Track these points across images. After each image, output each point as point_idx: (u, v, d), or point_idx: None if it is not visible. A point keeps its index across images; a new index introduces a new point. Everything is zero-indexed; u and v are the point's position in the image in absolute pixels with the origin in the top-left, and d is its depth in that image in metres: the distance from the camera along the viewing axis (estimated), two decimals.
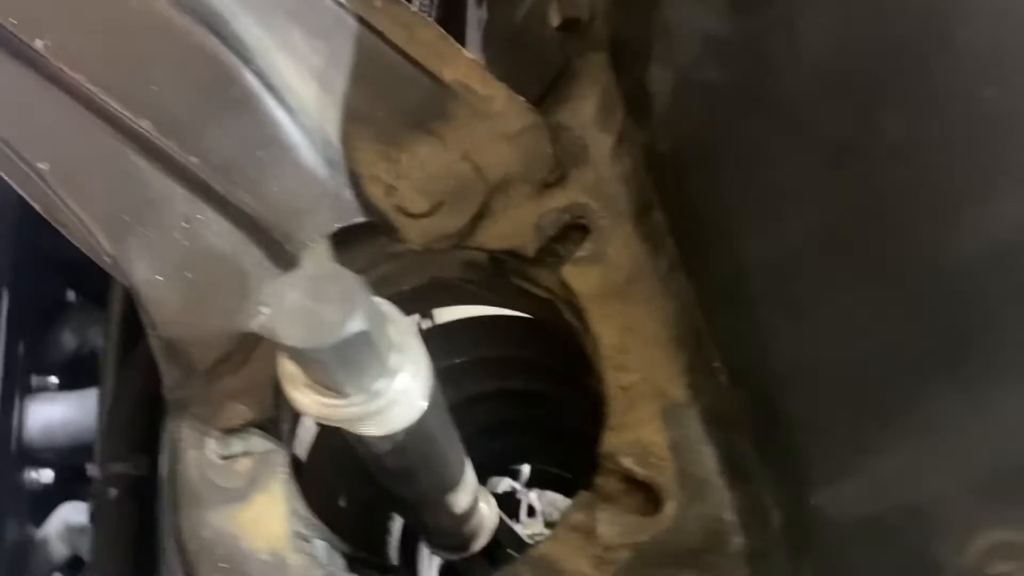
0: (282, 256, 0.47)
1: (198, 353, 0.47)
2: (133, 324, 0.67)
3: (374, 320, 0.34)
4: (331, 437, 0.63)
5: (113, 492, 0.57)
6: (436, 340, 0.70)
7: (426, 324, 0.74)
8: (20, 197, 0.78)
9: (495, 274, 0.48)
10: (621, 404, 0.40)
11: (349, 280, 0.33)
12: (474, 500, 0.58)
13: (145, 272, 0.48)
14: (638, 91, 0.43)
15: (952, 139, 0.25)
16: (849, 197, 0.29)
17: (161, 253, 0.48)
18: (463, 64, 0.49)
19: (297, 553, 0.41)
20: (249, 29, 0.46)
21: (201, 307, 0.47)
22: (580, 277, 0.44)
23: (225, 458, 0.43)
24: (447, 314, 0.68)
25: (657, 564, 0.37)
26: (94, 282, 0.89)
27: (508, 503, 0.86)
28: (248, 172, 0.46)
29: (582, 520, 0.38)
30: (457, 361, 0.64)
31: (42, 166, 0.48)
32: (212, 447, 0.44)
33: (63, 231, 0.50)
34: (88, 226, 0.48)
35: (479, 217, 0.46)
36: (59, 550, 0.80)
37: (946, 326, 0.25)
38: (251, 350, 0.46)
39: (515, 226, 0.46)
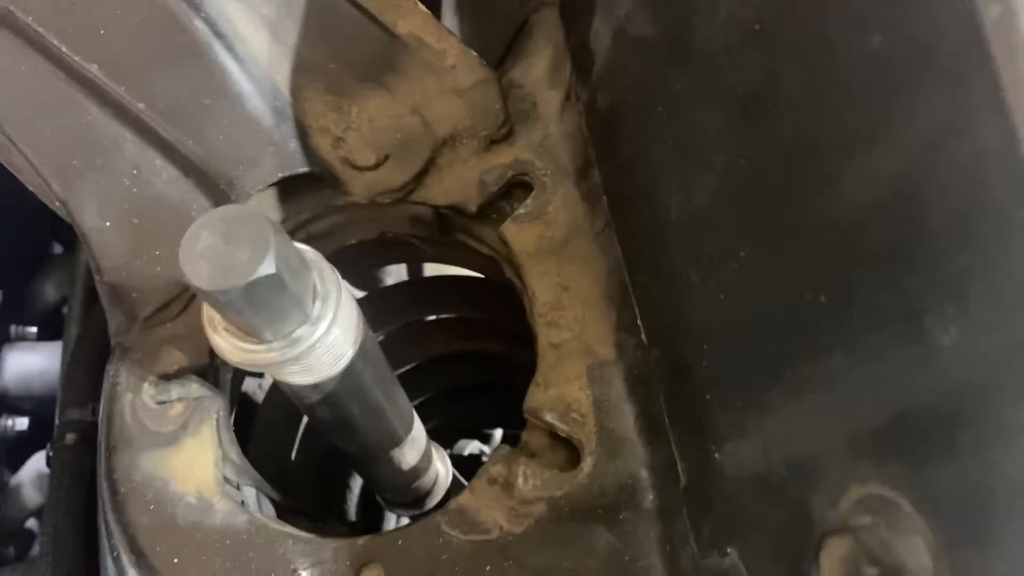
0: (220, 199, 0.47)
1: (141, 299, 0.47)
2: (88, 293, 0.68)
3: (291, 265, 0.34)
4: (281, 392, 0.63)
5: (71, 437, 0.58)
6: (400, 297, 0.70)
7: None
8: None
9: (440, 230, 0.47)
10: (550, 361, 0.40)
11: (263, 223, 0.33)
12: (425, 457, 0.58)
13: (94, 217, 0.48)
14: (582, 48, 0.43)
15: (841, 88, 0.24)
16: (754, 148, 0.29)
17: (110, 199, 0.48)
18: (418, 17, 0.48)
19: (224, 498, 0.41)
20: None
21: (146, 254, 0.47)
22: (520, 234, 0.43)
23: (160, 403, 0.44)
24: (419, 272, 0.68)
25: (572, 519, 0.37)
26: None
27: (474, 465, 0.86)
28: (194, 119, 0.46)
29: (501, 473, 0.38)
30: (419, 320, 0.64)
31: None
32: (148, 392, 0.44)
33: (17, 175, 0.50)
34: (39, 169, 0.48)
35: (425, 172, 0.46)
36: (32, 497, 0.81)
37: (830, 279, 0.25)
38: (191, 298, 0.46)
39: (460, 182, 0.46)
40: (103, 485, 0.44)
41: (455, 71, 0.48)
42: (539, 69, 0.47)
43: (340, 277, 0.38)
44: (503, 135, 0.46)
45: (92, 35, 0.46)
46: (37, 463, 0.82)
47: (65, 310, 0.92)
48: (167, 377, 0.45)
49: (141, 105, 0.46)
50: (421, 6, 0.49)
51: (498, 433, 0.88)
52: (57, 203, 0.49)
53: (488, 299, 0.63)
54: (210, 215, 0.33)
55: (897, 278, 0.23)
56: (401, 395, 0.50)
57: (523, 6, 0.50)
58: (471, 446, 0.87)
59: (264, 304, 0.34)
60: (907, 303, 0.22)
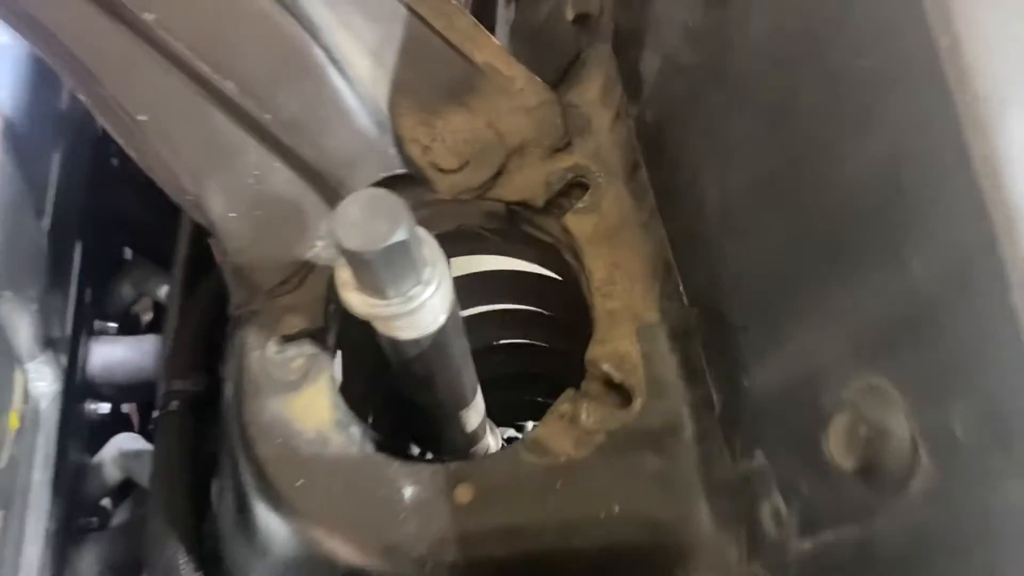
0: (336, 200, 0.57)
1: (262, 277, 0.56)
2: (194, 267, 0.77)
3: (414, 235, 0.43)
4: (357, 372, 0.72)
5: (175, 404, 0.67)
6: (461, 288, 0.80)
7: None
8: (92, 161, 0.89)
9: (510, 223, 0.57)
10: (605, 324, 0.50)
11: (396, 203, 0.43)
12: (482, 426, 0.67)
13: (221, 209, 0.58)
14: (633, 73, 0.53)
15: (840, 98, 0.34)
16: (777, 148, 0.39)
17: (235, 194, 0.58)
18: (491, 48, 0.59)
19: (338, 434, 0.51)
20: (317, 10, 0.56)
21: (267, 239, 0.57)
22: (578, 224, 0.53)
23: (283, 358, 0.53)
24: (476, 264, 0.77)
25: (625, 447, 0.47)
26: (149, 240, 1.01)
27: None
28: (311, 129, 0.56)
29: (568, 410, 0.48)
30: (479, 310, 0.74)
31: (141, 118, 0.58)
32: (272, 348, 0.54)
33: (150, 173, 0.60)
34: (174, 170, 0.58)
35: (498, 175, 0.56)
36: (112, 474, 0.90)
37: (831, 233, 0.34)
38: (306, 275, 0.56)
39: (528, 182, 0.56)
40: (233, 427, 0.53)
41: (523, 93, 0.58)
42: (592, 92, 0.58)
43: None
44: (563, 145, 0.56)
45: (230, 58, 0.56)
46: (118, 443, 0.90)
47: (136, 309, 1.02)
48: (287, 338, 0.54)
49: (267, 116, 0.56)
50: (494, 39, 0.59)
51: (530, 425, 0.98)
52: (189, 197, 0.59)
53: (533, 292, 0.73)
54: (357, 195, 0.43)
55: (880, 228, 0.33)
56: (470, 362, 0.60)
57: (576, 42, 0.60)
58: (507, 433, 0.96)
59: (393, 265, 0.43)
60: (888, 244, 0.32)
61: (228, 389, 0.55)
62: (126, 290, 0.99)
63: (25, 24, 0.59)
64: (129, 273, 0.99)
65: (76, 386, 0.88)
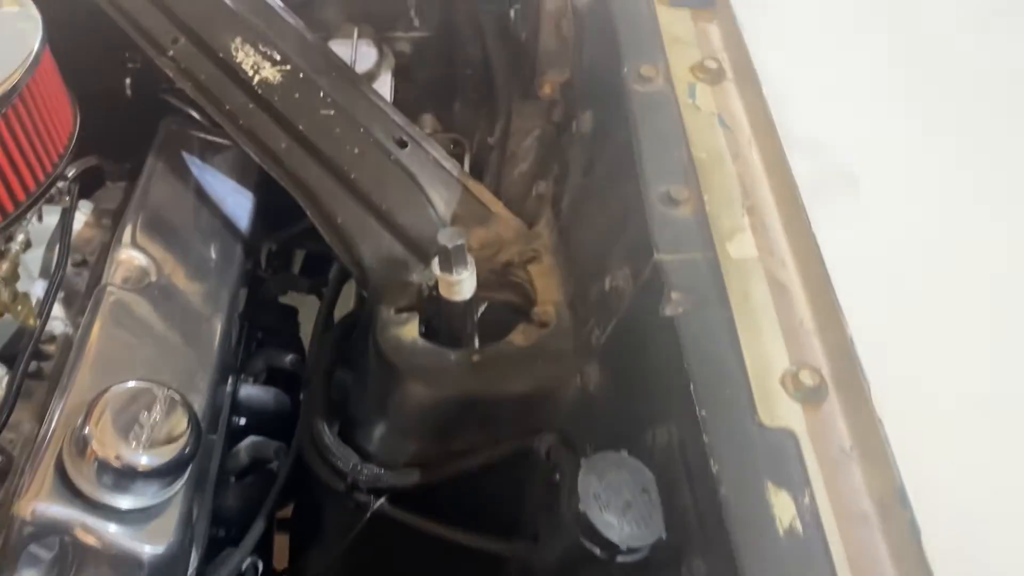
0: (422, 257, 1.25)
1: (388, 289, 1.23)
2: (333, 302, 1.42)
3: (464, 247, 1.12)
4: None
5: (319, 370, 1.30)
6: None
7: None
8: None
9: (501, 274, 1.25)
10: (540, 301, 1.17)
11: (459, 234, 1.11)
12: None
13: (368, 261, 1.26)
14: (559, 212, 1.25)
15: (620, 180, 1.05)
16: (606, 209, 1.09)
17: (376, 255, 1.26)
18: (499, 206, 1.30)
19: (421, 341, 1.15)
20: (422, 178, 1.28)
21: (390, 274, 1.24)
22: (533, 269, 1.21)
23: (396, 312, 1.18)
24: None
25: (543, 344, 1.11)
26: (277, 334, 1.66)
27: None
28: (416, 227, 1.26)
29: (522, 328, 1.13)
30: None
31: (339, 221, 1.27)
32: (392, 311, 1.19)
33: (332, 244, 1.29)
34: (348, 245, 1.27)
35: (498, 252, 1.25)
36: (243, 459, 1.46)
37: (613, 232, 1.03)
38: (408, 287, 1.22)
39: (510, 255, 1.25)
40: (371, 343, 1.17)
41: (510, 223, 1.29)
42: (543, 224, 1.29)
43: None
44: (527, 243, 1.26)
45: (382, 191, 1.27)
46: (250, 439, 1.47)
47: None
48: (399, 309, 1.19)
49: (398, 220, 1.26)
50: (499, 201, 1.31)
51: None
52: (351, 258, 1.27)
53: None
54: (445, 230, 1.12)
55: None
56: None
57: (536, 206, 1.33)
58: None
59: (459, 257, 1.11)
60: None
61: (371, 331, 1.19)
62: (259, 362, 1.63)
63: (288, 177, 1.30)
64: (263, 352, 1.63)
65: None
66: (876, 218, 0.92)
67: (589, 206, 1.13)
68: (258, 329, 1.68)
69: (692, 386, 0.82)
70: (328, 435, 1.18)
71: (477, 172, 1.52)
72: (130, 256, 1.30)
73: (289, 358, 1.56)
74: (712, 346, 0.85)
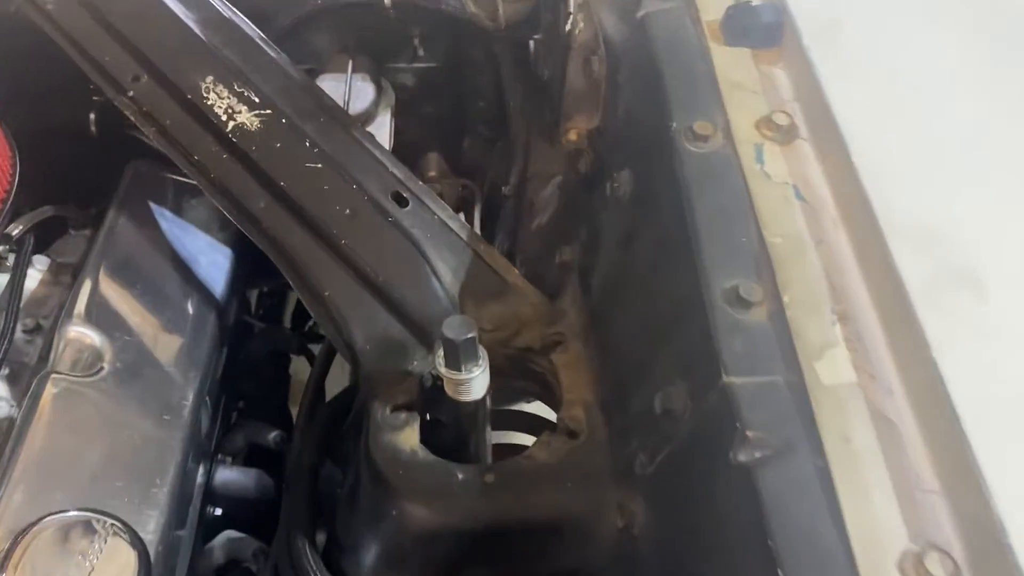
0: (424, 341, 1.05)
1: (383, 380, 1.03)
2: (320, 386, 1.22)
3: (476, 340, 0.91)
4: None
5: (303, 468, 1.10)
6: None
7: None
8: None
9: (520, 360, 1.05)
10: (567, 402, 0.96)
11: (471, 323, 0.91)
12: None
13: (361, 343, 1.05)
14: (587, 284, 1.04)
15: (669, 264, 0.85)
16: (646, 300, 0.88)
17: (370, 336, 1.05)
18: (515, 274, 1.10)
19: (421, 451, 0.94)
20: (428, 248, 1.08)
21: (386, 361, 1.04)
22: (558, 358, 1.01)
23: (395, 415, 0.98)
24: None
25: (574, 458, 0.90)
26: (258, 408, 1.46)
27: None
28: (418, 303, 1.06)
29: (546, 439, 0.92)
30: None
31: (326, 293, 1.07)
32: (388, 411, 0.98)
33: (318, 319, 1.09)
34: (337, 321, 1.07)
35: (516, 334, 1.05)
36: (219, 556, 1.26)
37: (661, 332, 0.83)
38: (407, 378, 1.02)
39: (531, 339, 1.04)
40: (362, 451, 0.97)
41: (530, 297, 1.08)
42: (567, 300, 1.08)
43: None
44: (550, 323, 1.05)
45: (380, 263, 1.06)
46: (226, 535, 1.28)
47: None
48: (396, 407, 0.99)
49: (396, 296, 1.05)
50: (514, 270, 1.11)
51: None
52: (341, 337, 1.06)
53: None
54: (452, 319, 0.91)
55: (671, 330, 0.82)
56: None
57: (559, 274, 1.12)
58: None
59: (467, 351, 0.91)
60: (672, 335, 0.81)
61: (359, 431, 0.99)
62: (239, 440, 1.42)
63: (266, 241, 1.10)
64: (242, 427, 1.43)
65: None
66: (1011, 332, 0.71)
67: (630, 291, 0.93)
68: (238, 398, 1.48)
69: (780, 571, 0.61)
70: (309, 556, 0.98)
71: (490, 221, 1.32)
72: (81, 335, 1.09)
73: (273, 435, 1.36)
74: (804, 513, 0.64)
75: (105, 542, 0.86)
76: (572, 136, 1.15)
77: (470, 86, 1.42)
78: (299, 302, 1.86)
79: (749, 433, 0.68)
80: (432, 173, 1.44)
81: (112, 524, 0.86)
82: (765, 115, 0.89)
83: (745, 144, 0.87)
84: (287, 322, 1.87)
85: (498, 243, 1.20)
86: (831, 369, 0.71)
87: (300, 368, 1.73)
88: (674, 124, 0.88)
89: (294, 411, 1.59)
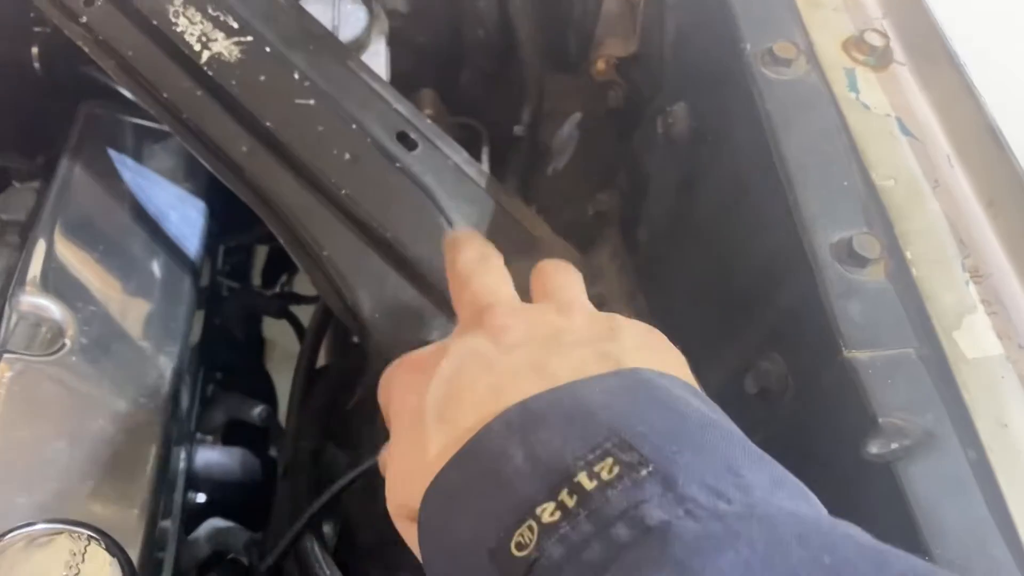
0: (444, 307, 0.90)
1: (397, 353, 0.88)
2: (314, 358, 1.08)
3: None
4: None
5: (303, 453, 0.96)
6: None
7: None
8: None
9: None
10: None
11: None
12: None
13: (369, 312, 0.91)
14: (631, 239, 0.90)
15: (745, 234, 0.71)
16: (713, 259, 0.75)
17: (380, 303, 0.91)
18: (543, 228, 0.96)
19: None
20: (442, 198, 0.93)
21: (400, 330, 0.90)
22: None
23: None
24: None
25: None
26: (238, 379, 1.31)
27: None
28: (433, 263, 0.91)
29: None
30: None
31: (325, 253, 0.92)
32: None
33: (317, 287, 0.94)
34: (339, 286, 0.92)
35: None
36: (204, 547, 1.12)
37: (745, 299, 0.70)
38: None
39: None
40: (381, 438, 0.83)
41: (562, 254, 0.94)
42: (604, 255, 0.95)
43: None
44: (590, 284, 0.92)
45: (388, 218, 0.91)
46: (211, 524, 1.14)
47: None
48: None
49: (408, 254, 0.91)
50: (543, 222, 0.97)
51: None
52: (346, 305, 0.92)
53: None
54: None
55: (763, 292, 0.69)
56: None
57: (595, 226, 0.98)
58: None
59: None
60: (767, 298, 0.68)
61: (376, 417, 0.85)
62: (218, 415, 1.28)
63: (250, 192, 0.94)
64: (223, 402, 1.28)
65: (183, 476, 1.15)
66: None
67: (694, 247, 0.79)
68: (215, 369, 1.33)
69: None
70: (322, 560, 0.84)
71: (497, 172, 1.16)
72: (36, 306, 0.93)
73: (258, 411, 1.21)
74: (963, 516, 0.52)
75: (84, 553, 0.71)
76: (600, 66, 1.00)
77: (469, 11, 1.26)
78: (269, 258, 1.70)
79: (882, 420, 0.55)
80: (428, 112, 1.28)
81: (89, 535, 0.72)
82: (854, 34, 0.75)
83: (834, 70, 0.73)
84: (256, 280, 1.72)
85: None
86: (973, 339, 0.59)
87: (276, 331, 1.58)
88: (748, 46, 0.74)
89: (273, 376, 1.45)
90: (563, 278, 0.53)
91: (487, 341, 0.44)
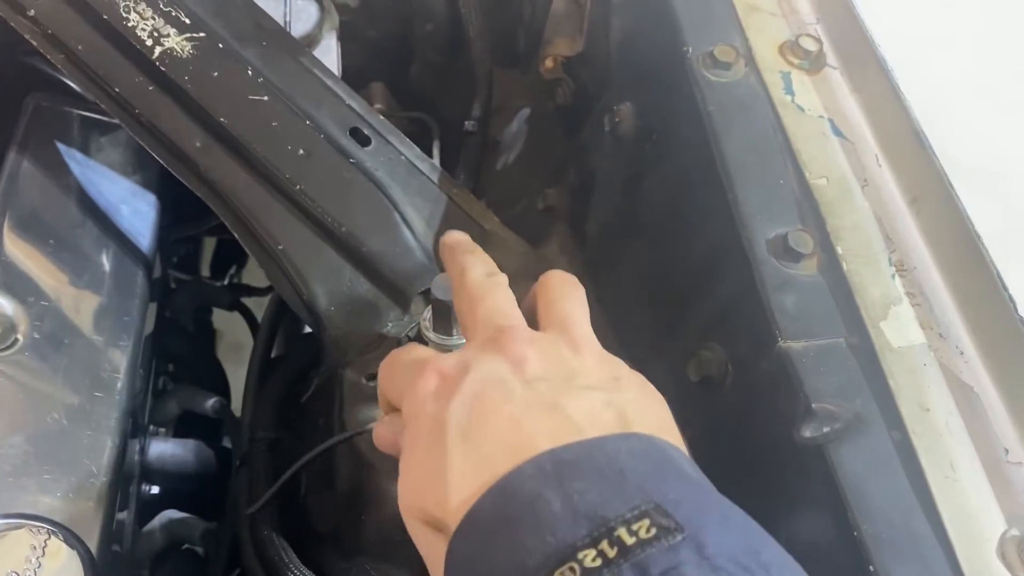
0: (399, 299, 0.93)
1: (354, 345, 0.90)
2: (268, 350, 1.09)
3: None
4: None
5: (260, 444, 0.97)
6: None
7: None
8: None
9: None
10: None
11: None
12: None
13: (325, 306, 0.93)
14: (582, 236, 0.93)
15: (689, 225, 0.75)
16: (660, 249, 0.79)
17: (335, 296, 0.93)
18: (495, 222, 0.98)
19: None
20: (397, 193, 0.95)
21: (355, 323, 0.92)
22: None
23: (371, 384, 0.86)
24: None
25: None
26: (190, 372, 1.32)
27: None
28: (388, 257, 0.93)
29: None
30: None
31: (280, 247, 0.93)
32: (363, 380, 0.87)
33: (273, 282, 0.95)
34: (294, 280, 0.93)
35: None
36: (159, 539, 1.13)
37: (687, 285, 0.73)
38: (381, 342, 0.90)
39: (518, 295, 0.93)
40: (336, 426, 0.85)
41: (513, 247, 0.97)
42: (554, 248, 0.98)
43: None
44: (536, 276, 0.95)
45: (344, 213, 0.93)
46: (166, 515, 1.14)
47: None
48: (370, 377, 0.87)
49: (363, 249, 0.93)
50: (494, 216, 0.99)
51: None
52: (302, 299, 0.93)
53: None
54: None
55: (701, 280, 0.72)
56: None
57: (544, 221, 1.01)
58: None
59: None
60: (707, 286, 0.71)
61: (333, 405, 0.87)
62: (172, 407, 1.28)
63: (205, 187, 0.95)
64: (176, 394, 1.28)
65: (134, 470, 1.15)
66: None
67: (638, 241, 0.83)
68: (167, 360, 1.33)
69: (872, 567, 0.53)
70: (282, 552, 0.86)
71: (448, 166, 1.18)
72: None
73: (211, 403, 1.22)
74: (890, 494, 0.57)
75: (44, 547, 0.72)
76: (548, 64, 1.03)
77: (419, 6, 1.28)
78: (217, 251, 1.70)
79: (815, 405, 0.59)
80: (378, 106, 1.30)
81: (48, 529, 0.73)
82: (789, 39, 0.79)
83: (771, 73, 0.77)
84: (205, 271, 1.72)
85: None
86: (898, 329, 0.63)
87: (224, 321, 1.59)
88: (690, 49, 0.77)
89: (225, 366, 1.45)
90: (569, 306, 0.56)
91: (507, 369, 0.47)
